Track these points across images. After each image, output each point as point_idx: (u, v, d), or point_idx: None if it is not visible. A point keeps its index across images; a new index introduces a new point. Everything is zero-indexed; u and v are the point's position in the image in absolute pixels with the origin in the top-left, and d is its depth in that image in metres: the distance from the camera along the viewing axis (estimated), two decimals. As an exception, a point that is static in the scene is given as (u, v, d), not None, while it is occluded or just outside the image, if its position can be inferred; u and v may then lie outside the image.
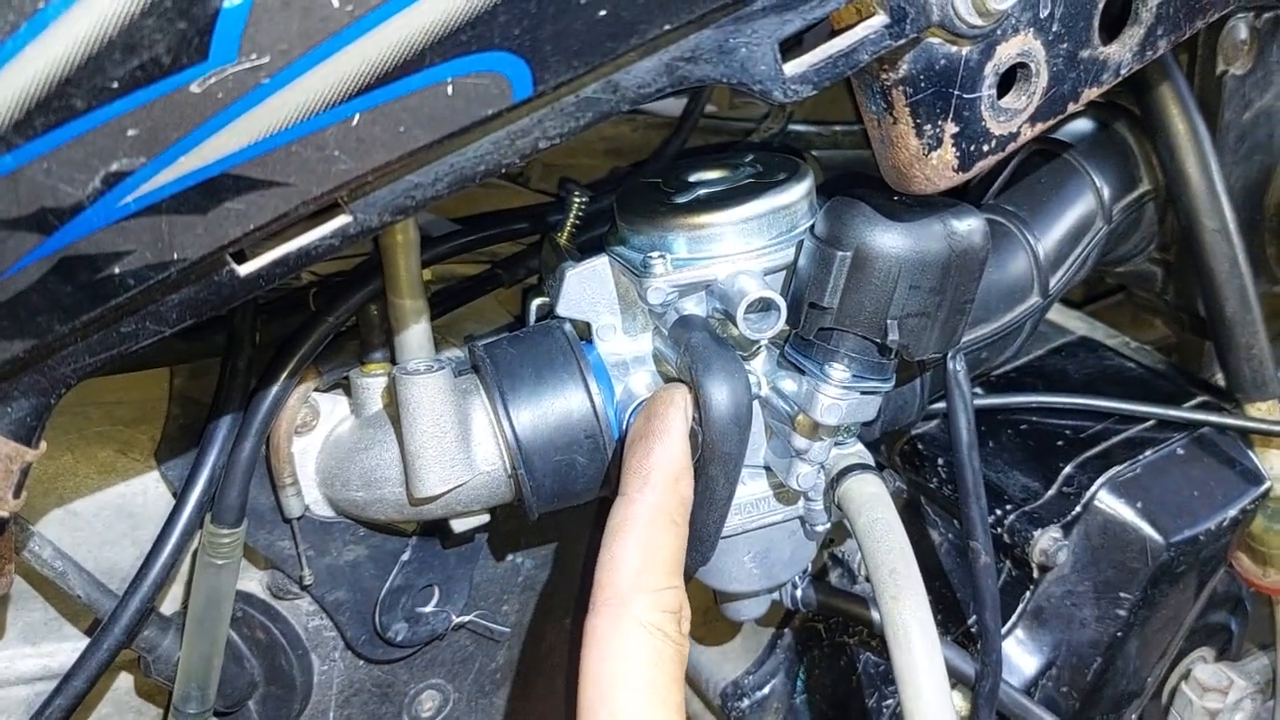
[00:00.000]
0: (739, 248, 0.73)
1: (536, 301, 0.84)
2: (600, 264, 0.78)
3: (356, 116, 0.47)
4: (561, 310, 0.79)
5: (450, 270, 0.93)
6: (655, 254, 0.72)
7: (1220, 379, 0.98)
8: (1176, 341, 1.10)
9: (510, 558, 0.94)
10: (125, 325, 0.52)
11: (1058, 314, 1.12)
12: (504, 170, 0.53)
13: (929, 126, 0.60)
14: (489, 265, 0.91)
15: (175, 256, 0.49)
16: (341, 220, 0.52)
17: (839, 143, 1.14)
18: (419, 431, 0.73)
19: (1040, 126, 0.65)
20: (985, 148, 0.63)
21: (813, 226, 0.71)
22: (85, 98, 0.43)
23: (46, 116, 0.43)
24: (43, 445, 0.55)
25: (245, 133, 0.46)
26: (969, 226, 0.68)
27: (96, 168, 0.45)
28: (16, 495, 0.55)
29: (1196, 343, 1.05)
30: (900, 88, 0.58)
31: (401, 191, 0.52)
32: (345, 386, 0.82)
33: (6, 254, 0.47)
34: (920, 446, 0.96)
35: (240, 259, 0.52)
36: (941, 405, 0.91)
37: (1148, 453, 0.90)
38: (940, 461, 0.94)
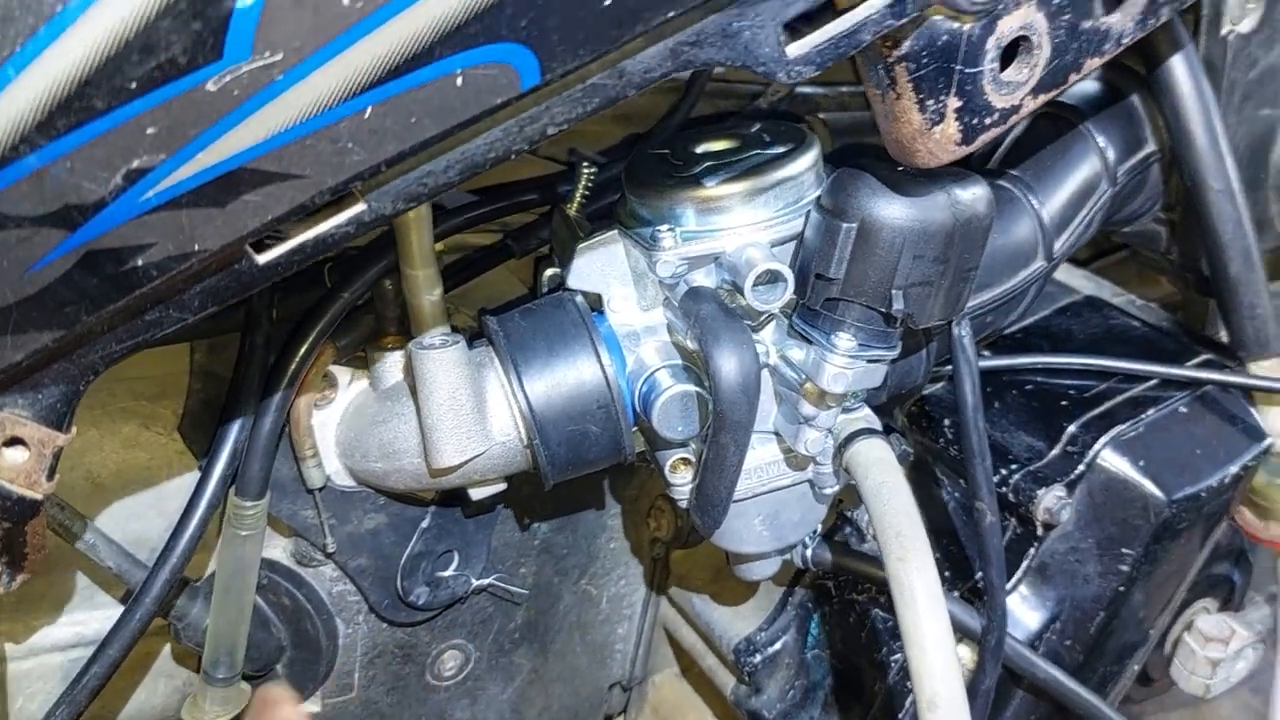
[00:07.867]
0: (747, 219, 0.73)
1: (549, 272, 0.85)
2: (610, 239, 0.78)
3: (369, 109, 0.48)
4: (573, 283, 0.80)
5: (463, 240, 0.94)
6: (664, 228, 0.73)
7: (1224, 336, 0.98)
8: (1182, 298, 1.11)
9: (527, 522, 0.96)
10: (150, 314, 0.54)
11: (1064, 273, 1.12)
12: (513, 156, 0.54)
13: (932, 102, 0.61)
14: (500, 236, 0.92)
15: (196, 248, 0.50)
16: (356, 209, 0.53)
17: (846, 104, 1.14)
18: (436, 404, 0.74)
19: (1043, 97, 0.65)
20: (988, 121, 0.63)
21: (819, 199, 0.72)
22: (105, 98, 0.44)
23: (68, 117, 0.44)
24: (73, 430, 0.57)
25: (261, 128, 0.47)
26: (973, 195, 0.68)
27: (118, 165, 0.46)
28: (50, 478, 0.57)
29: (1202, 299, 1.05)
30: (903, 64, 0.59)
31: (414, 180, 0.54)
32: (362, 359, 0.84)
33: (34, 249, 0.48)
34: (928, 408, 0.97)
35: (259, 248, 0.53)
36: (949, 367, 0.92)
37: (1150, 411, 0.90)
38: (947, 422, 0.95)
